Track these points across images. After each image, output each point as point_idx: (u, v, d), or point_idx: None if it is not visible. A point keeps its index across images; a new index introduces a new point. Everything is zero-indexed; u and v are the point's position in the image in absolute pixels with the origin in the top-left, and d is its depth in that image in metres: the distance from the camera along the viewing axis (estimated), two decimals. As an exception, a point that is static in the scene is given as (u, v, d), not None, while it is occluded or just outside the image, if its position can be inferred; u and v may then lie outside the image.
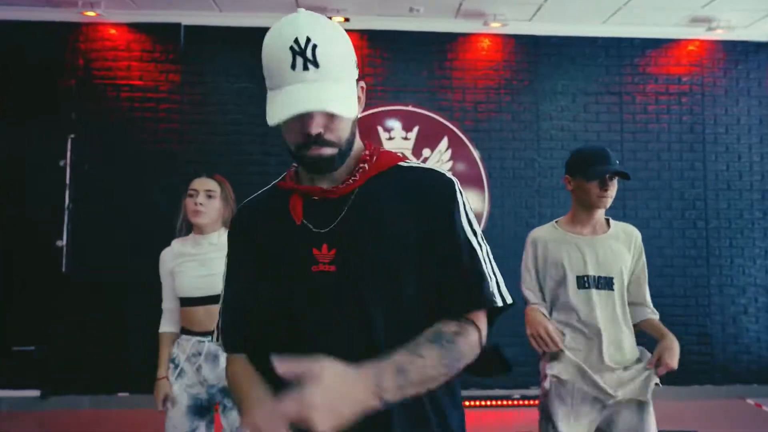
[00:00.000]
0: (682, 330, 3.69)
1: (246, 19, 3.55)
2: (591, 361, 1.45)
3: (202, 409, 1.75)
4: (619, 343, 1.48)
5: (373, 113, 3.56)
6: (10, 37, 3.51)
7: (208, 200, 1.78)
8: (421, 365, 0.57)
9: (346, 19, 3.51)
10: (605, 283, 1.51)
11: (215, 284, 1.44)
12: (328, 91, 0.62)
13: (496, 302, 0.66)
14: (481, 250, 0.68)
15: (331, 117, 0.63)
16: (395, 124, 3.64)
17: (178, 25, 3.56)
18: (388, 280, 0.65)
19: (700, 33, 3.75)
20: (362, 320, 0.64)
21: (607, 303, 1.50)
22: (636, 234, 1.59)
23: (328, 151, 0.65)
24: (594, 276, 1.51)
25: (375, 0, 3.39)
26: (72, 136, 3.49)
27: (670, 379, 3.32)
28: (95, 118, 3.55)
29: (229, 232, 0.80)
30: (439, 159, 3.60)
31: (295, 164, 0.75)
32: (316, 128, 0.61)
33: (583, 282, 1.51)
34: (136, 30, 3.59)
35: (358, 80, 0.70)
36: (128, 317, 3.41)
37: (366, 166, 0.70)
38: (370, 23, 3.64)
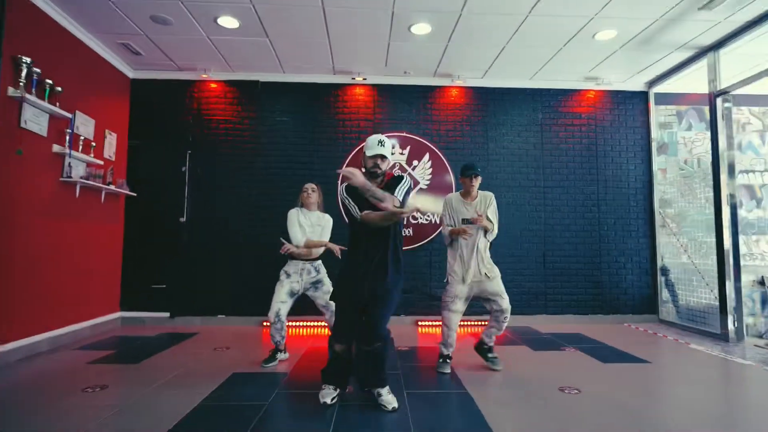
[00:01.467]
0: (582, 278, 5.45)
1: (299, 77, 5.38)
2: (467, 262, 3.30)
3: (293, 294, 3.52)
4: (481, 253, 3.29)
5: None
6: (154, 89, 5.28)
7: (312, 193, 3.57)
8: (380, 195, 2.46)
9: (364, 78, 5.45)
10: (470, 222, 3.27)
11: (312, 238, 3.38)
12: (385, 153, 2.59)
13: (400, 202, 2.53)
14: (401, 192, 2.56)
15: (382, 159, 2.59)
16: (395, 144, 5.43)
17: (256, 81, 5.39)
18: None
19: (593, 86, 5.60)
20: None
21: (476, 232, 3.29)
22: (489, 195, 3.35)
23: (378, 171, 2.59)
24: (468, 219, 3.28)
25: (382, 66, 5.17)
26: (189, 151, 5.25)
27: (574, 310, 5.46)
28: (204, 140, 5.29)
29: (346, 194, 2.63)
30: (424, 167, 5.46)
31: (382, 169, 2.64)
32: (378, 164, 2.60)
33: (465, 221, 3.28)
34: (230, 84, 5.37)
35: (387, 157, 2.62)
36: (223, 268, 5.21)
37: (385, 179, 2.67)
38: (379, 80, 5.42)
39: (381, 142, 2.56)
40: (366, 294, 2.56)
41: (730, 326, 4.40)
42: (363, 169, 2.59)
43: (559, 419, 2.43)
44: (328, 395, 2.61)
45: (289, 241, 3.45)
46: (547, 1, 3.79)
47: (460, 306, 3.31)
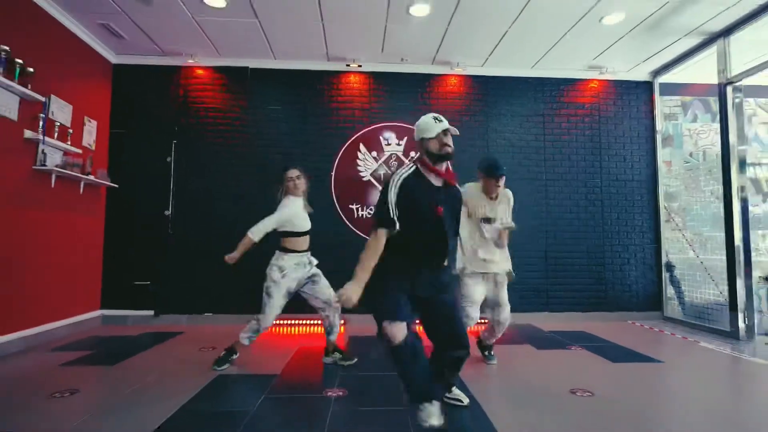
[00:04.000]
0: (585, 274, 5.28)
1: (291, 64, 5.12)
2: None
3: (290, 294, 3.14)
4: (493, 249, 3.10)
5: (376, 127, 5.11)
6: (137, 75, 5.00)
7: (299, 180, 3.22)
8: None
9: (359, 65, 5.20)
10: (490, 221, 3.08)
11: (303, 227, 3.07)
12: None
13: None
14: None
15: (446, 134, 2.08)
16: (391, 135, 5.14)
17: (246, 68, 5.13)
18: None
19: (596, 75, 5.40)
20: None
21: (491, 230, 3.08)
22: (510, 195, 3.18)
23: (450, 149, 2.07)
24: (489, 218, 3.08)
25: (378, 53, 4.93)
26: (175, 141, 4.97)
27: (577, 306, 5.25)
28: (190, 129, 5.02)
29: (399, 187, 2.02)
30: (421, 158, 5.24)
31: (417, 160, 2.14)
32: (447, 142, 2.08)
33: (486, 221, 3.07)
34: (218, 71, 5.10)
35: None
36: (210, 263, 4.92)
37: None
38: (375, 68, 5.18)
39: (438, 118, 2.14)
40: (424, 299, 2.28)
41: (741, 324, 4.23)
42: (425, 157, 2.12)
43: (575, 426, 2.21)
44: (431, 414, 1.94)
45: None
46: (554, -21, 3.58)
47: (476, 313, 3.16)
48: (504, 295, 3.13)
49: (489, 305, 3.16)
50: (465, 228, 3.06)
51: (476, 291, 3.06)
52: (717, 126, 4.63)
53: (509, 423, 2.23)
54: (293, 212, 3.14)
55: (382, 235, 2.02)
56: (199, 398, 2.54)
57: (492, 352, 3.37)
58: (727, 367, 3.35)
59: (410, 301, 2.05)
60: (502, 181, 3.04)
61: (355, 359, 3.28)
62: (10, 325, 3.56)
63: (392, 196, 2.03)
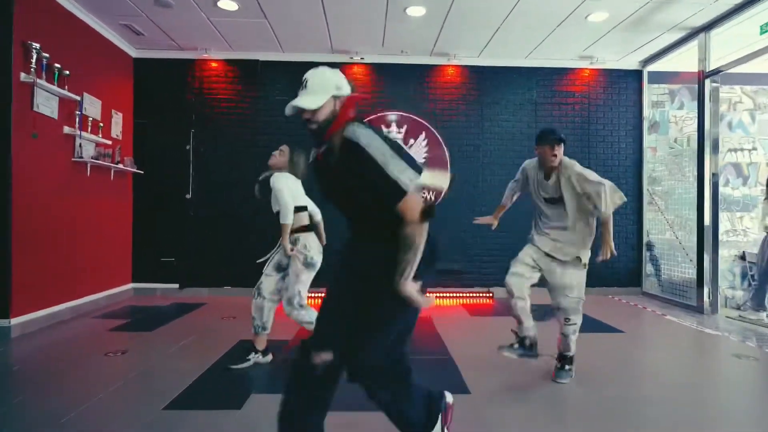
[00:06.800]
0: None
1: (299, 56, 5.47)
2: None
3: (281, 268, 2.96)
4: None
5: (378, 116, 5.53)
6: (156, 68, 5.42)
7: (280, 154, 3.04)
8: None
9: (362, 58, 5.54)
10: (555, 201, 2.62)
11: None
12: (305, 99, 1.36)
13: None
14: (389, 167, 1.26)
15: (311, 110, 1.35)
16: (392, 123, 5.57)
17: (256, 60, 5.51)
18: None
19: (587, 65, 5.68)
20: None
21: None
22: (571, 167, 2.58)
23: (312, 126, 1.38)
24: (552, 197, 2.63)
25: (379, 46, 5.25)
26: (192, 130, 5.43)
27: None
28: (206, 119, 5.46)
29: None
30: (420, 145, 5.63)
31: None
32: (305, 115, 1.36)
33: (549, 201, 2.64)
34: (231, 64, 5.49)
35: (336, 96, 1.38)
36: (229, 242, 5.49)
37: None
38: (376, 59, 5.52)
39: (305, 81, 1.49)
40: None
41: (706, 299, 4.68)
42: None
43: (537, 383, 2.72)
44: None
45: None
46: (539, -16, 3.87)
47: (521, 269, 2.69)
48: (566, 279, 2.70)
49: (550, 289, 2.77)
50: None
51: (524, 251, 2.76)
52: (711, 112, 4.92)
53: (477, 377, 2.73)
54: (288, 185, 2.91)
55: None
56: (225, 358, 3.08)
57: (563, 366, 2.74)
58: (682, 337, 3.83)
59: None
60: (559, 150, 2.55)
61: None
62: (61, 296, 4.15)
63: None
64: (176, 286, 5.45)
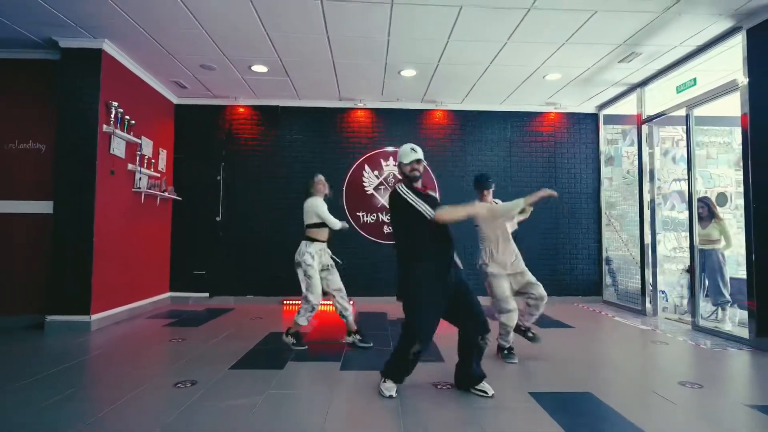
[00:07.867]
0: (541, 266, 6.71)
1: (312, 103, 6.60)
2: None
3: (323, 270, 4.16)
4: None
5: (378, 152, 6.63)
6: (192, 112, 6.52)
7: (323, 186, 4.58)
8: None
9: (364, 104, 6.66)
10: None
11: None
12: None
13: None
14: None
15: (419, 162, 2.74)
16: (389, 158, 6.66)
17: (277, 106, 6.65)
18: None
19: (552, 109, 6.82)
20: None
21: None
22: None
23: (418, 173, 2.75)
24: None
25: (379, 95, 6.41)
26: (223, 163, 6.51)
27: None
28: (234, 154, 6.53)
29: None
30: (413, 176, 6.68)
31: (400, 177, 2.88)
32: (422, 165, 2.76)
33: None
34: (255, 109, 6.61)
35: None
36: (252, 257, 6.51)
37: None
38: (377, 105, 6.63)
39: (414, 149, 2.68)
40: (452, 293, 2.64)
41: (647, 304, 5.67)
42: (400, 176, 2.78)
43: (498, 367, 3.71)
44: (393, 389, 2.70)
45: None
46: (503, 56, 4.99)
47: (514, 303, 3.58)
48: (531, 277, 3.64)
49: (522, 292, 3.63)
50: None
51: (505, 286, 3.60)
52: (648, 150, 6.02)
53: (452, 356, 3.71)
54: (323, 209, 3.90)
55: (440, 213, 2.56)
56: (262, 343, 4.06)
57: (533, 333, 3.75)
58: (620, 331, 4.81)
59: (443, 299, 2.51)
60: (488, 193, 3.69)
61: (371, 344, 3.97)
62: (121, 300, 5.13)
63: (412, 197, 2.55)
64: (206, 294, 6.43)
